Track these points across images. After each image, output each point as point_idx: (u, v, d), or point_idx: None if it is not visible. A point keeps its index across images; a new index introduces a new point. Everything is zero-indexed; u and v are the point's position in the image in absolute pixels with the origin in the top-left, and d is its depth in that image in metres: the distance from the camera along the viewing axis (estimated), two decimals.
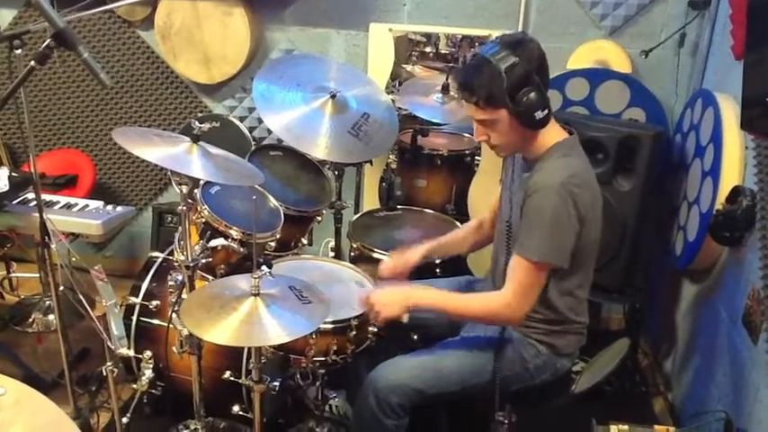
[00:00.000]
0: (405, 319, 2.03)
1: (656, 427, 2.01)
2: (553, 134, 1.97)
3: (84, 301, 2.16)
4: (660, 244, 2.97)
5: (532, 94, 1.83)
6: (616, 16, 3.07)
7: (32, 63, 1.74)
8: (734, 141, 2.36)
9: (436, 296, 2.04)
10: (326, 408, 2.56)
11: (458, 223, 2.87)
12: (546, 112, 1.87)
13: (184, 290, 2.11)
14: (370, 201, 3.25)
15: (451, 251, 2.47)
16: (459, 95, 1.94)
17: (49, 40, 1.74)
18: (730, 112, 2.42)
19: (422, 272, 2.46)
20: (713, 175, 2.42)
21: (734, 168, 2.35)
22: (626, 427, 1.99)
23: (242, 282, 1.85)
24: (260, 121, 3.43)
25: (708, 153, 2.51)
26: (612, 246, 2.69)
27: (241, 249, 2.23)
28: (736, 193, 2.26)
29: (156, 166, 3.02)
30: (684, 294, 2.90)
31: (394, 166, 3.02)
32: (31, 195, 2.88)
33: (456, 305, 2.03)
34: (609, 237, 2.63)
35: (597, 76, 3.01)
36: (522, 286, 1.91)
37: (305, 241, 2.64)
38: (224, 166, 2.04)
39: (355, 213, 3.08)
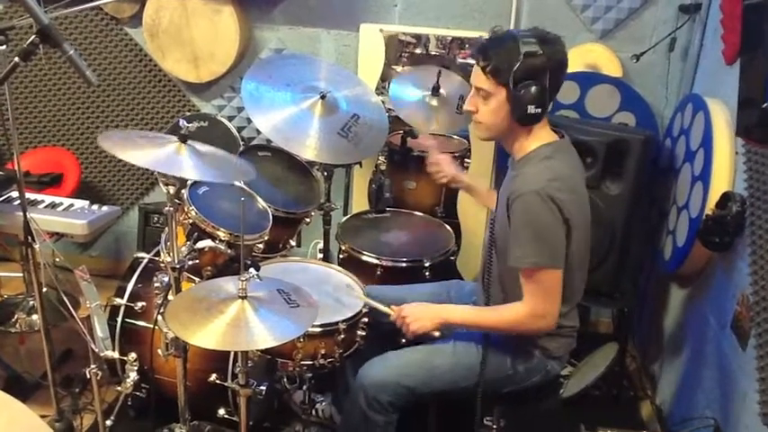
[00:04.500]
0: (437, 333, 2.06)
1: None
2: (541, 136, 1.97)
3: (67, 301, 2.13)
4: (649, 248, 2.97)
5: (534, 89, 1.84)
6: (607, 20, 3.07)
7: (16, 59, 1.72)
8: (724, 146, 2.36)
9: (465, 312, 2.09)
10: (313, 412, 2.54)
11: (447, 226, 2.86)
12: (539, 110, 1.88)
13: (170, 292, 2.08)
14: (360, 202, 3.23)
15: (480, 199, 2.56)
16: (473, 57, 2.01)
17: (33, 37, 1.71)
18: (720, 117, 2.42)
19: (410, 275, 2.45)
20: (703, 180, 2.42)
21: (724, 174, 2.35)
22: None
23: (229, 284, 1.83)
24: (249, 121, 3.40)
25: (698, 158, 2.51)
26: (601, 250, 2.69)
27: (228, 251, 2.21)
28: (725, 198, 2.25)
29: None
30: (673, 299, 2.90)
31: (383, 167, 3.00)
32: (14, 194, 2.84)
33: (484, 320, 2.05)
34: (597, 240, 2.62)
35: (588, 79, 3.00)
36: (535, 294, 1.92)
37: (293, 243, 2.62)
38: (213, 164, 2.00)
39: (344, 215, 3.06)
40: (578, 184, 1.98)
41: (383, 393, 1.99)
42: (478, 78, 1.94)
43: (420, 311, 2.06)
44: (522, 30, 1.92)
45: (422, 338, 2.09)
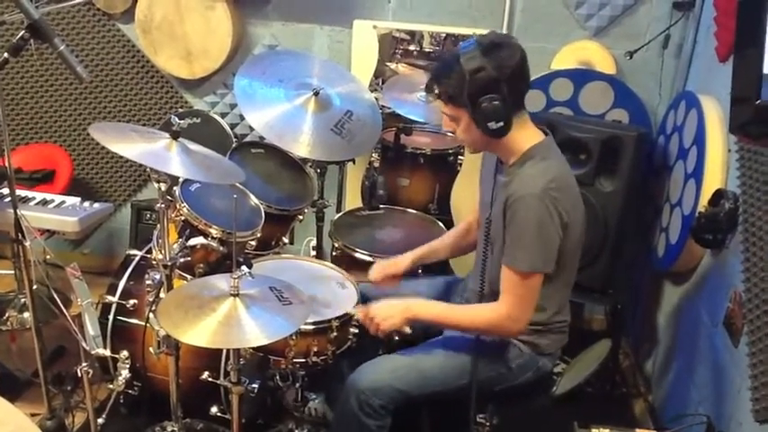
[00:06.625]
0: (407, 329, 2.04)
1: (638, 430, 2.01)
2: (529, 137, 1.95)
3: (58, 299, 2.12)
4: (642, 245, 2.98)
5: (494, 103, 1.81)
6: (601, 17, 3.07)
7: (6, 55, 1.71)
8: (717, 144, 2.37)
9: (436, 309, 2.07)
10: (305, 410, 2.53)
11: (440, 223, 2.86)
12: (501, 124, 1.85)
13: (162, 289, 2.07)
14: (353, 199, 3.23)
15: (441, 256, 2.45)
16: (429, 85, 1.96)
17: (23, 32, 1.70)
18: (714, 115, 2.43)
19: (404, 273, 2.44)
20: (696, 178, 2.42)
21: (717, 171, 2.35)
22: (608, 430, 1.97)
23: (221, 282, 1.82)
24: (242, 117, 3.38)
25: (691, 155, 2.51)
26: (595, 246, 2.69)
27: (221, 248, 2.20)
28: (718, 195, 2.26)
29: (135, 162, 2.99)
30: (666, 296, 2.90)
31: (377, 164, 3.00)
32: (5, 191, 2.82)
33: (456, 318, 2.03)
34: (591, 237, 2.62)
35: (581, 76, 3.00)
36: (518, 296, 1.91)
37: (286, 240, 2.61)
38: (204, 164, 2.00)
39: (337, 212, 3.05)
40: (572, 179, 1.98)
41: (375, 398, 1.98)
42: (440, 104, 1.94)
43: (388, 309, 2.04)
44: (465, 43, 1.86)
45: (392, 335, 2.08)
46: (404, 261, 2.35)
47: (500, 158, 2.03)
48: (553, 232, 1.86)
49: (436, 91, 1.91)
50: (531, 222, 1.85)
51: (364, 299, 2.25)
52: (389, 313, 2.03)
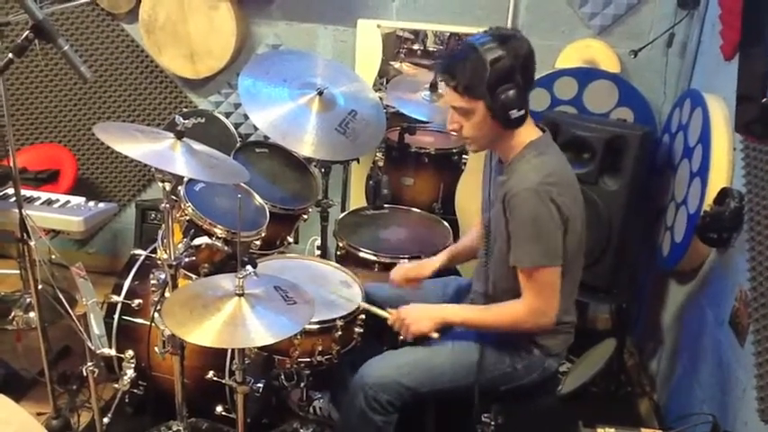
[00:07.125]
0: (435, 335, 2.05)
1: (643, 429, 2.00)
2: (527, 133, 1.96)
3: (63, 299, 2.12)
4: (647, 244, 2.97)
5: (512, 92, 1.82)
6: (605, 15, 3.06)
7: (10, 55, 1.71)
8: (722, 142, 2.36)
9: (465, 312, 2.08)
10: (310, 409, 2.54)
11: (444, 222, 2.85)
12: (522, 112, 1.86)
13: (167, 289, 2.08)
14: (357, 199, 3.23)
15: (462, 260, 2.45)
16: (440, 79, 1.94)
17: (27, 32, 1.71)
18: (719, 113, 2.42)
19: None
20: (701, 176, 2.41)
21: (722, 169, 2.34)
22: (613, 429, 1.97)
23: (226, 281, 1.82)
24: (246, 117, 3.39)
25: (696, 154, 2.50)
26: (599, 245, 2.68)
27: (225, 248, 2.20)
28: (724, 194, 2.25)
29: (140, 161, 3.00)
30: (671, 295, 2.90)
31: (381, 164, 3.00)
32: (10, 191, 2.82)
33: (485, 319, 2.03)
34: (595, 236, 2.62)
35: (586, 75, 3.00)
36: (533, 292, 1.92)
37: (290, 240, 2.62)
38: (208, 164, 2.00)
39: (342, 211, 3.05)
40: (570, 174, 1.98)
41: (383, 393, 1.98)
42: (452, 98, 1.91)
43: (418, 313, 2.05)
44: (477, 36, 1.87)
45: (421, 340, 2.08)
46: (428, 267, 2.33)
47: (500, 158, 2.03)
48: (552, 225, 1.86)
49: (452, 83, 1.88)
50: (527, 218, 1.86)
51: (369, 298, 2.25)
52: (420, 317, 2.04)
